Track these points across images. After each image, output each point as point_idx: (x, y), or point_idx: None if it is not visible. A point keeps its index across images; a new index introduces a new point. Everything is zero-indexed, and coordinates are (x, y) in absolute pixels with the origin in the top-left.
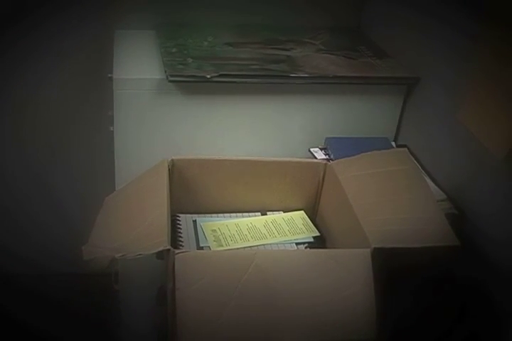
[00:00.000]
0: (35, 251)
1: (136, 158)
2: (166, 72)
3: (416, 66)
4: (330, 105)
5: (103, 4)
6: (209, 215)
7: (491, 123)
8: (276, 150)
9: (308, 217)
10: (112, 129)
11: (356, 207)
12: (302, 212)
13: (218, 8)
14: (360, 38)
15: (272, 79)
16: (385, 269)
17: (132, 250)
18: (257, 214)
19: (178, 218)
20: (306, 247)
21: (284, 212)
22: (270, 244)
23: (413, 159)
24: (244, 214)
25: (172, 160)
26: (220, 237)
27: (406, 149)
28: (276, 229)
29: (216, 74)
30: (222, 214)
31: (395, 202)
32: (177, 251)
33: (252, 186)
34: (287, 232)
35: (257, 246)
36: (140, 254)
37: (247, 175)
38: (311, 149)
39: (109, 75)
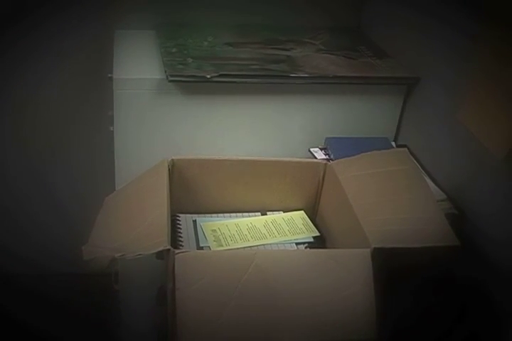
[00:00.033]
0: (35, 251)
1: (136, 158)
2: (166, 72)
3: (416, 66)
4: (330, 105)
5: (103, 4)
6: (209, 215)
7: (491, 123)
8: (276, 150)
9: (308, 217)
10: (112, 129)
11: (356, 207)
12: (302, 212)
13: (218, 8)
14: (360, 38)
15: (272, 79)
16: (385, 269)
17: (132, 250)
18: (257, 214)
19: (178, 218)
20: (306, 247)
21: (284, 212)
22: (270, 244)
23: (413, 159)
24: (244, 214)
25: (172, 160)
26: (220, 237)
27: (406, 149)
28: (276, 229)
29: (216, 74)
30: (222, 214)
31: (395, 202)
32: (177, 251)
33: (252, 186)
34: (287, 232)
35: (257, 246)
36: (140, 254)
37: (247, 175)
38: (311, 149)
39: (109, 75)
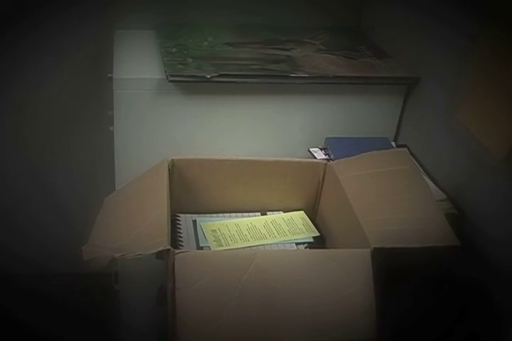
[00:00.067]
0: (35, 251)
1: (136, 158)
2: (166, 72)
3: (416, 66)
4: (330, 105)
5: (103, 4)
6: (209, 215)
7: (491, 123)
8: (276, 150)
9: (308, 217)
10: (112, 129)
11: (356, 207)
12: (302, 212)
13: (218, 8)
14: (360, 38)
15: (272, 79)
16: (384, 269)
17: (132, 250)
18: (256, 214)
19: (178, 218)
20: (305, 247)
21: (284, 212)
22: (270, 244)
23: (413, 159)
24: (244, 214)
25: (172, 160)
26: (220, 237)
27: (406, 149)
28: (276, 229)
29: (216, 74)
30: (222, 214)
31: (395, 202)
32: (177, 251)
33: (252, 186)
34: (287, 232)
35: (257, 246)
36: (140, 254)
37: (247, 175)
38: (311, 149)
39: (109, 75)
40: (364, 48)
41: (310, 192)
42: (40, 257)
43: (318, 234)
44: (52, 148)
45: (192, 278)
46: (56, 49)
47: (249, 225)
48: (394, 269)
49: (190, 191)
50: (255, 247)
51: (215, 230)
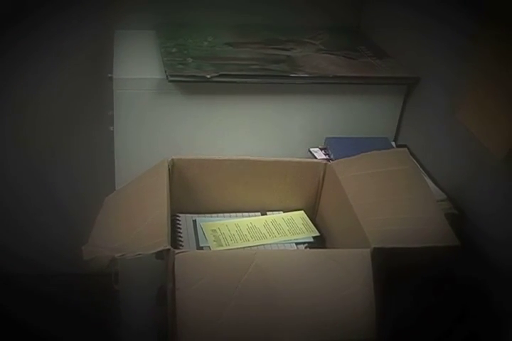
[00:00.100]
0: (35, 251)
1: (136, 158)
2: (166, 72)
3: (416, 66)
4: (330, 105)
5: (103, 4)
6: (209, 215)
7: (491, 123)
8: (276, 150)
9: (308, 217)
10: (112, 129)
11: (356, 207)
12: (302, 212)
13: (218, 8)
14: (360, 38)
15: (272, 79)
16: (384, 269)
17: (132, 250)
18: (257, 214)
19: (178, 218)
20: (306, 247)
21: (284, 212)
22: (270, 243)
23: (413, 159)
24: (244, 214)
25: (172, 160)
26: (220, 237)
27: (406, 149)
28: (276, 229)
29: (216, 74)
30: (222, 214)
31: (395, 202)
32: (177, 251)
33: (252, 186)
34: (287, 232)
35: (257, 246)
36: (140, 254)
37: (247, 175)
38: (311, 149)
39: (109, 75)
40: (364, 48)
41: (310, 192)
42: (40, 257)
43: (318, 234)
44: (52, 148)
45: (192, 278)
46: (56, 49)
47: (249, 225)
48: (394, 269)
49: (190, 191)
50: (255, 247)
51: (215, 230)
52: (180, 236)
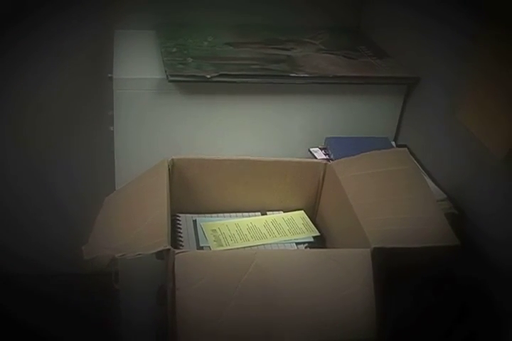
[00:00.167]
0: (35, 251)
1: (136, 158)
2: (166, 71)
3: (416, 66)
4: (330, 105)
5: (103, 4)
6: (209, 215)
7: (491, 123)
8: (276, 150)
9: (308, 217)
10: (112, 129)
11: (356, 207)
12: (302, 211)
13: (218, 8)
14: (360, 37)
15: (272, 79)
16: (384, 269)
17: (132, 250)
18: (257, 214)
19: (178, 218)
20: (306, 247)
21: (284, 211)
22: (270, 243)
23: (413, 159)
24: (244, 214)
25: (172, 159)
26: (220, 237)
27: (406, 149)
28: (276, 229)
29: (216, 74)
30: (222, 214)
31: (395, 202)
32: (177, 250)
33: (252, 186)
34: (287, 232)
35: (257, 245)
36: (140, 254)
37: (247, 175)
38: (311, 149)
39: (109, 75)
40: (364, 48)
41: (310, 192)
42: (40, 257)
43: (318, 233)
44: (53, 148)
45: (192, 277)
46: (56, 49)
47: (250, 225)
48: (394, 269)
49: (190, 191)
50: (255, 247)
51: (215, 230)
52: (180, 236)
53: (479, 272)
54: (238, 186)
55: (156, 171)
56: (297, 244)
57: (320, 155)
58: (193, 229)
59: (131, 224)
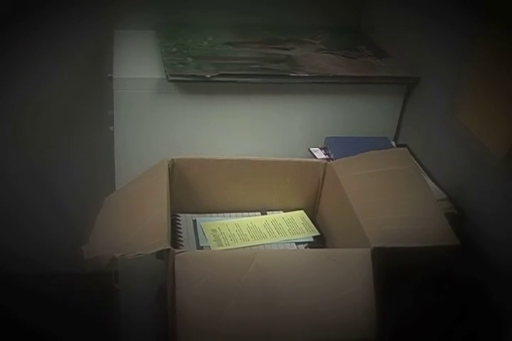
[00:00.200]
0: (35, 251)
1: (136, 158)
2: (166, 71)
3: (416, 66)
4: (330, 105)
5: (103, 4)
6: (209, 215)
7: (491, 123)
8: (276, 150)
9: (308, 217)
10: (111, 129)
11: (356, 206)
12: (302, 211)
13: (218, 8)
14: (360, 37)
15: (272, 79)
16: (384, 269)
17: (132, 250)
18: (256, 213)
19: (178, 218)
20: (306, 247)
21: (284, 211)
22: (270, 243)
23: (413, 159)
24: (244, 213)
25: (172, 159)
26: (220, 237)
27: (406, 149)
28: (276, 229)
29: (216, 74)
30: (222, 214)
31: (395, 202)
32: (177, 250)
33: (252, 186)
34: (287, 232)
35: (257, 245)
36: (140, 254)
37: (247, 175)
38: (311, 149)
39: (109, 75)
40: (364, 48)
41: (310, 192)
42: (40, 257)
43: (318, 233)
44: (53, 148)
45: (192, 277)
46: (56, 49)
47: (250, 225)
48: (394, 269)
49: (190, 191)
50: (255, 247)
51: (215, 230)
52: (180, 236)
53: (479, 272)
54: (238, 186)
55: (156, 171)
56: (297, 243)
57: (320, 154)
58: (192, 229)
59: (131, 224)
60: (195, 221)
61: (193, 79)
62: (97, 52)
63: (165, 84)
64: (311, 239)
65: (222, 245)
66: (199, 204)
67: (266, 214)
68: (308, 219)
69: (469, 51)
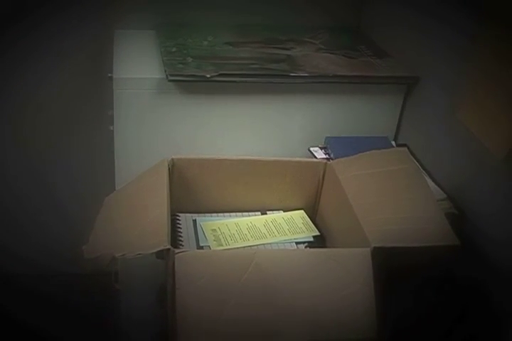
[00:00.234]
0: (35, 251)
1: (136, 158)
2: (165, 71)
3: (416, 66)
4: (330, 105)
5: (103, 4)
6: (209, 215)
7: (491, 123)
8: (276, 150)
9: (308, 217)
10: (112, 129)
11: (356, 206)
12: (302, 211)
13: (218, 8)
14: (360, 37)
15: (272, 79)
16: (384, 269)
17: (132, 249)
18: (256, 213)
19: (178, 217)
20: (306, 246)
21: (284, 211)
22: (270, 243)
23: (413, 158)
24: (244, 213)
25: (172, 159)
26: (220, 237)
27: (406, 149)
28: (276, 229)
29: (216, 74)
30: (222, 214)
31: (395, 202)
32: (177, 250)
33: (252, 186)
34: (287, 232)
35: (257, 245)
36: (140, 254)
37: (247, 174)
38: (311, 148)
39: (109, 75)
40: (364, 48)
41: (310, 192)
42: (40, 257)
43: (318, 233)
44: (53, 148)
45: (192, 277)
46: (56, 49)
47: (249, 224)
48: (394, 269)
49: (190, 191)
50: (255, 246)
51: (215, 229)
52: (180, 236)
53: (479, 272)
54: (238, 186)
55: (156, 171)
56: (297, 243)
57: (320, 154)
58: (192, 229)
59: (131, 223)
60: (195, 221)
61: (192, 79)
62: (97, 52)
63: (165, 84)
64: (311, 239)
65: (222, 245)
66: (199, 204)
67: (266, 214)
68: (308, 219)
69: (469, 51)
